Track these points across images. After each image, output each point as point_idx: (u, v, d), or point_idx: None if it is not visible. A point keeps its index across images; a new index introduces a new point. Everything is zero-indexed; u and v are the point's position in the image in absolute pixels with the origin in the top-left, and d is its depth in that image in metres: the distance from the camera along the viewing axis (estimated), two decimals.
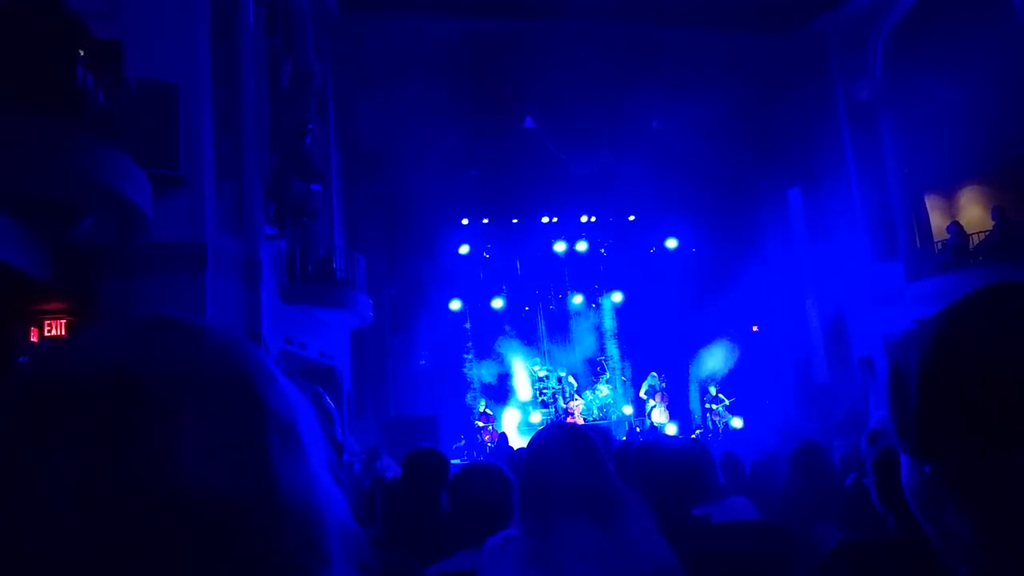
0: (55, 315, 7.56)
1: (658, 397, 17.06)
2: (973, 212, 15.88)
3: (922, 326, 0.70)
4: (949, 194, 16.64)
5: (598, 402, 17.26)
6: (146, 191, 6.67)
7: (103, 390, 0.51)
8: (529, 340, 18.21)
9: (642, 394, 17.19)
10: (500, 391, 17.61)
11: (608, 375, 18.05)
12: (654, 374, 17.18)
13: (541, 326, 18.84)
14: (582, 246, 19.00)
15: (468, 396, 17.41)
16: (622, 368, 18.37)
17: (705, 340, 17.56)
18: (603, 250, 19.26)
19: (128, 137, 6.56)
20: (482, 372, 17.64)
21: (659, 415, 16.81)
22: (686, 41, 16.43)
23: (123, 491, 0.48)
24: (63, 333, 7.49)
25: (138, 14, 8.15)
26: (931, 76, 15.09)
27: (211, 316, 8.30)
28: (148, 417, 0.50)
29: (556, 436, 1.95)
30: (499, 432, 15.71)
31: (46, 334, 7.46)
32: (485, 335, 18.17)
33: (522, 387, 17.61)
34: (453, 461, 4.50)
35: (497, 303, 18.62)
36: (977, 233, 14.65)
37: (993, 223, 14.40)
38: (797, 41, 17.45)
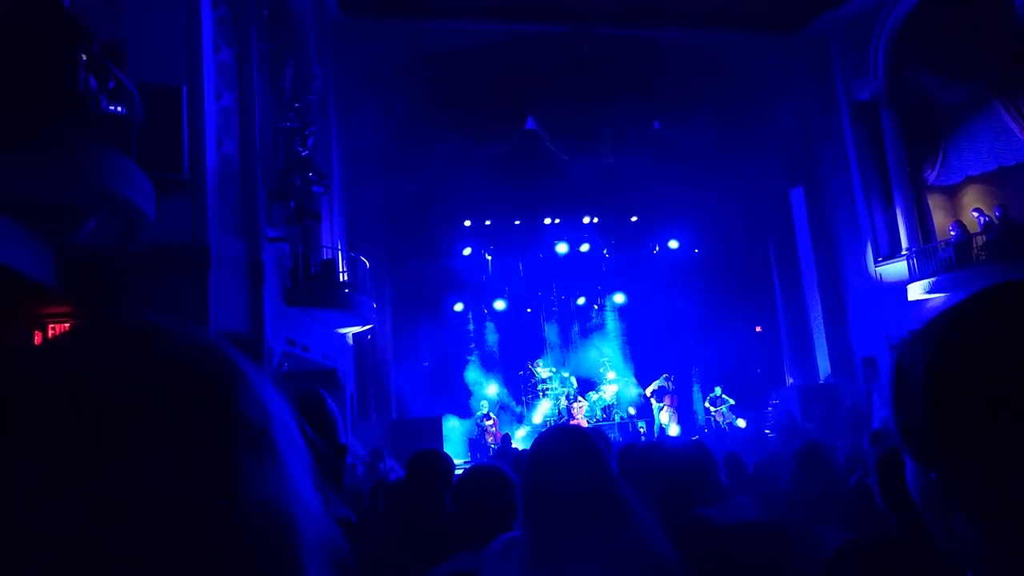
0: (58, 318, 7.57)
1: (667, 399, 17.03)
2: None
3: (928, 326, 0.67)
4: (951, 193, 16.62)
5: (602, 403, 17.25)
6: (149, 194, 6.69)
7: (52, 398, 0.48)
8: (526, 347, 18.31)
9: (648, 392, 17.17)
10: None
11: (612, 376, 18.05)
12: (665, 375, 17.17)
13: (544, 327, 18.86)
14: (584, 247, 19.00)
15: (471, 399, 17.44)
16: (625, 369, 18.36)
17: (709, 340, 17.55)
18: (606, 251, 19.26)
19: (131, 140, 6.58)
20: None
21: (665, 417, 16.80)
22: (688, 42, 16.42)
23: (68, 505, 0.45)
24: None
25: (140, 17, 8.16)
26: (932, 75, 15.07)
27: (214, 318, 8.31)
28: (100, 427, 0.47)
29: (559, 438, 1.95)
30: (503, 433, 15.71)
31: (49, 337, 7.48)
32: (487, 338, 18.22)
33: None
34: (457, 462, 4.50)
35: (500, 305, 18.64)
36: (979, 232, 14.62)
37: (996, 221, 14.37)
38: (799, 41, 17.44)
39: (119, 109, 6.51)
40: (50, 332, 7.49)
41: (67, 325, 7.49)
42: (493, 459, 12.43)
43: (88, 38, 6.11)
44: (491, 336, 18.34)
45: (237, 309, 9.25)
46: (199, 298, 8.21)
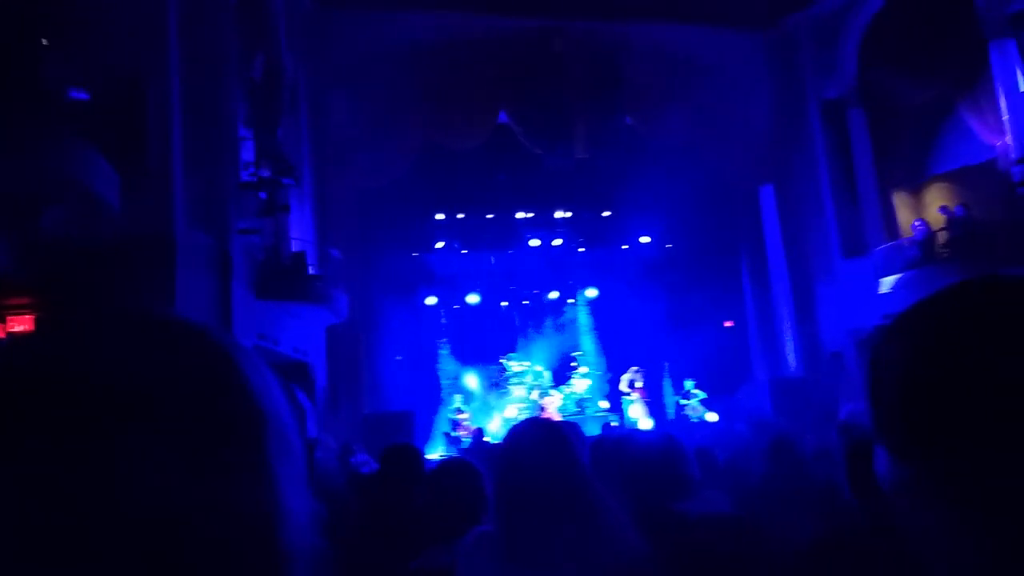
0: (19, 310, 7.39)
1: (637, 393, 17.14)
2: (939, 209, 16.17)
3: (906, 318, 0.68)
4: (916, 191, 16.94)
5: (574, 397, 17.32)
6: (113, 183, 6.55)
7: (45, 394, 0.46)
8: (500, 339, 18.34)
9: (624, 387, 17.28)
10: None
11: (584, 370, 18.14)
12: (634, 368, 17.28)
13: (516, 321, 18.88)
14: (557, 242, 19.05)
15: (443, 392, 17.41)
16: (597, 363, 18.46)
17: (679, 335, 17.71)
18: (580, 248, 19.32)
19: (95, 129, 6.44)
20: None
21: (636, 410, 16.90)
22: (660, 39, 16.50)
23: (56, 508, 0.44)
24: (28, 328, 7.34)
25: (106, 4, 7.97)
26: (899, 75, 15.36)
27: (180, 311, 8.16)
28: (91, 427, 0.46)
29: (530, 432, 1.94)
30: (475, 427, 15.70)
31: (10, 329, 7.31)
32: (460, 331, 18.20)
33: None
34: (429, 456, 4.49)
35: (472, 298, 18.62)
36: (943, 230, 14.93)
37: (960, 219, 14.69)
38: (768, 39, 17.62)
39: (83, 97, 6.36)
40: (10, 324, 7.31)
41: (28, 317, 7.32)
42: (465, 453, 12.43)
43: (51, 24, 5.96)
44: (463, 330, 18.32)
45: (205, 302, 9.10)
46: (165, 290, 8.07)
